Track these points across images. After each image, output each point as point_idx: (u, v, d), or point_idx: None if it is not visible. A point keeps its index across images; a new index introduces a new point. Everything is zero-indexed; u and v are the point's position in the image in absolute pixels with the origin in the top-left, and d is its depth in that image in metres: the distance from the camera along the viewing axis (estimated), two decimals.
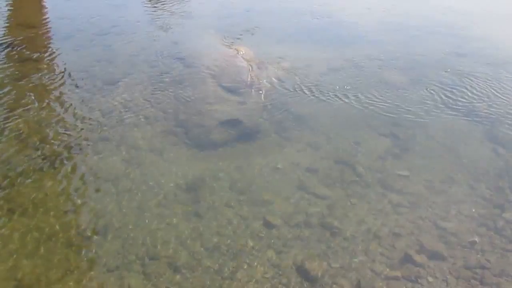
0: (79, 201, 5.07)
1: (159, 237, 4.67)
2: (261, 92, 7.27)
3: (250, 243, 4.64)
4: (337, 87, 7.47)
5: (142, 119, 6.49)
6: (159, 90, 7.21)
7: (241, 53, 8.55)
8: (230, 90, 7.24)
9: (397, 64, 8.50)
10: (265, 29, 10.01)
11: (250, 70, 7.89)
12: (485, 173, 5.71)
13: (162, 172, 5.55)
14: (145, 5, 11.67)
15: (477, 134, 6.46)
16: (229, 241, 4.66)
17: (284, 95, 7.22)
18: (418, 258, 4.54)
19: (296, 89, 7.38)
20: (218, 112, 6.65)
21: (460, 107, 7.05)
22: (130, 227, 4.76)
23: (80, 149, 5.85)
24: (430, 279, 4.35)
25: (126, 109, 6.69)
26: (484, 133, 6.48)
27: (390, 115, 6.82)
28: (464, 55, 8.98)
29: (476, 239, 4.76)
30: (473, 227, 4.92)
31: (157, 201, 5.11)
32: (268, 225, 4.86)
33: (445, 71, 8.14)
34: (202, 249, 4.57)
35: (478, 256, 4.58)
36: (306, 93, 7.28)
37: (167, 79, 7.53)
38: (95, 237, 4.63)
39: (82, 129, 6.21)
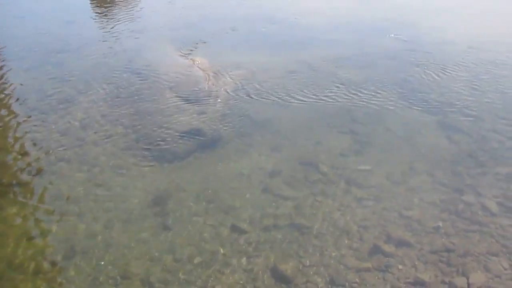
0: (42, 226, 4.91)
1: (129, 254, 4.59)
2: (219, 100, 7.29)
3: (222, 251, 4.63)
4: (294, 90, 7.59)
5: (102, 137, 6.38)
6: (117, 106, 7.11)
7: (197, 63, 8.56)
8: (188, 101, 7.23)
9: (351, 63, 8.72)
10: (220, 38, 10.06)
11: (207, 79, 7.91)
12: (442, 160, 5.93)
13: (126, 188, 5.46)
14: (97, 21, 11.49)
15: (432, 124, 6.72)
16: (200, 251, 4.63)
17: (242, 102, 7.27)
18: (387, 248, 4.66)
19: (254, 95, 7.45)
20: (178, 124, 6.62)
21: (413, 100, 7.31)
22: (98, 247, 4.65)
23: (40, 172, 5.68)
24: (400, 267, 4.47)
25: (84, 127, 6.56)
26: (438, 122, 6.74)
27: (348, 112, 6.99)
28: (414, 50, 9.32)
29: (440, 224, 4.94)
30: (436, 212, 5.10)
31: (124, 218, 5.02)
32: (238, 231, 4.87)
33: (400, 67, 8.44)
34: (174, 262, 4.52)
35: (443, 240, 4.75)
36: (264, 98, 7.36)
37: (124, 94, 7.44)
38: (63, 261, 4.50)
39: (40, 151, 6.04)
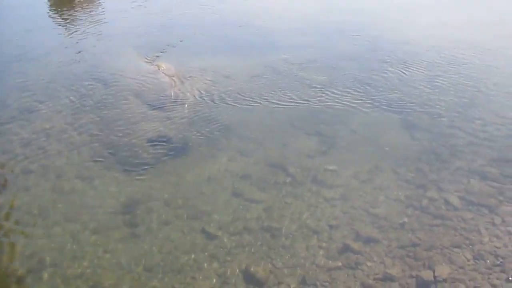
0: (7, 241, 4.77)
1: (99, 265, 4.52)
2: (186, 105, 7.27)
3: (193, 257, 4.62)
4: (260, 93, 7.66)
5: (66, 146, 6.25)
6: (81, 114, 6.98)
7: (162, 69, 8.51)
8: (155, 107, 7.18)
9: (315, 65, 8.87)
10: (185, 43, 10.03)
11: (173, 85, 7.87)
12: (405, 157, 6.11)
13: (94, 198, 5.38)
14: (59, 27, 11.25)
15: (394, 123, 6.91)
16: (171, 258, 4.61)
17: (209, 107, 7.27)
18: (356, 245, 4.76)
19: (221, 100, 7.47)
20: (145, 131, 6.56)
21: (376, 99, 7.50)
22: (67, 260, 4.56)
23: (2, 185, 5.51)
24: (369, 263, 4.58)
25: (48, 137, 6.41)
26: (400, 121, 6.94)
27: (314, 114, 7.11)
28: (376, 50, 9.55)
29: (405, 219, 5.09)
30: (401, 209, 5.25)
31: (92, 229, 4.94)
32: (209, 236, 4.88)
33: (360, 67, 8.65)
34: (145, 271, 4.48)
35: (409, 235, 4.89)
36: (230, 102, 7.39)
37: (89, 102, 7.32)
38: (30, 277, 4.38)
39: (2, 163, 5.86)
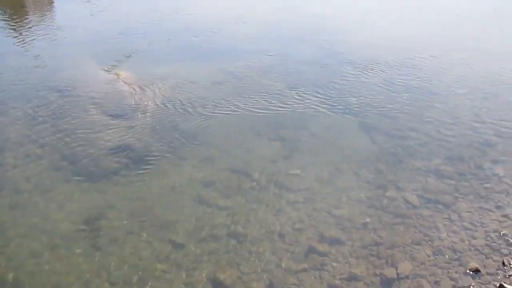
0: None
1: (61, 281, 4.38)
2: (148, 114, 7.19)
3: (159, 267, 4.56)
4: (222, 100, 7.68)
5: (23, 158, 6.04)
6: (38, 125, 6.77)
7: (122, 77, 8.39)
8: (115, 116, 7.06)
9: (275, 70, 8.99)
10: (145, 51, 9.93)
11: (134, 93, 7.77)
12: (365, 159, 6.28)
13: (54, 211, 5.22)
14: (12, 35, 10.86)
15: (353, 125, 7.09)
16: (137, 269, 4.53)
17: (171, 115, 7.22)
18: (321, 247, 4.84)
19: (183, 107, 7.44)
20: (105, 140, 6.44)
21: (336, 103, 7.68)
22: (28, 278, 4.40)
23: None
24: (334, 264, 4.66)
25: (3, 150, 6.18)
26: (359, 123, 7.13)
27: (276, 119, 7.19)
28: (334, 55, 9.78)
29: (368, 219, 5.22)
30: (363, 209, 5.38)
31: (53, 244, 4.78)
32: (174, 245, 4.83)
33: (320, 68, 8.81)
34: (109, 285, 4.38)
35: (372, 234, 5.02)
36: (192, 110, 7.37)
37: (46, 112, 7.11)
38: None
39: None
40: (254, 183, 5.78)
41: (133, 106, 7.39)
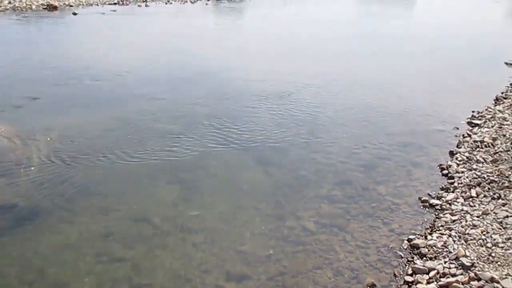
0: None
1: None
2: (33, 169, 6.72)
3: None
4: (115, 148, 7.47)
5: None
6: None
7: (0, 131, 7.76)
8: None
9: (166, 114, 9.01)
10: (27, 101, 9.33)
11: (15, 148, 7.22)
12: (263, 193, 6.50)
13: None
14: None
15: (249, 161, 7.33)
16: None
17: (60, 167, 6.82)
18: (228, 285, 4.85)
19: (72, 159, 7.07)
20: None
21: (229, 141, 7.90)
22: None
23: None
24: None
25: None
26: (254, 159, 7.39)
27: (173, 163, 7.17)
28: (224, 91, 10.10)
29: (271, 251, 5.36)
30: (266, 242, 5.53)
31: None
32: None
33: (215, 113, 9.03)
34: None
35: (276, 265, 5.16)
36: (83, 161, 7.04)
37: None
38: None
39: None
40: (155, 229, 5.65)
41: (14, 162, 6.85)
